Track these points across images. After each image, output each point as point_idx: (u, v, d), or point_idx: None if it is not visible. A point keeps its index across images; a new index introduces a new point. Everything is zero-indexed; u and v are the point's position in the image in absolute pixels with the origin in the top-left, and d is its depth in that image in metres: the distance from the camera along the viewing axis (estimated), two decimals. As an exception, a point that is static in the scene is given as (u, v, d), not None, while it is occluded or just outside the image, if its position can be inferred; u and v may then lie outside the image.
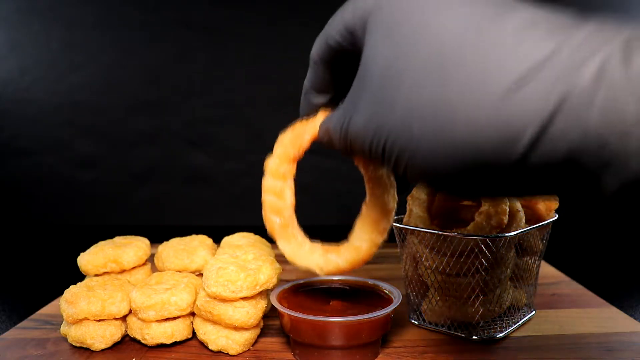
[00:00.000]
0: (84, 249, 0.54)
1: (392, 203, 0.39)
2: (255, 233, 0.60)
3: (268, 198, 0.40)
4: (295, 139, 0.39)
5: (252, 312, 0.45)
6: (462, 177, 0.23)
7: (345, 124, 0.30)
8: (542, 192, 0.23)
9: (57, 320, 0.53)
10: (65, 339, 0.49)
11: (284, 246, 0.40)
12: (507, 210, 0.49)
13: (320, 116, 0.38)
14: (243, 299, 0.45)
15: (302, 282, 0.51)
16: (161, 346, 0.48)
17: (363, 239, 0.39)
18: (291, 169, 0.40)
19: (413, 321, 0.52)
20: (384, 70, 0.25)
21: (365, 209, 0.40)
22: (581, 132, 0.20)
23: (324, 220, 0.99)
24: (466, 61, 0.22)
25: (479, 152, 0.22)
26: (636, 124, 0.19)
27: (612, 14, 0.20)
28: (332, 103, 0.38)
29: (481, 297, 0.47)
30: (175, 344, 0.48)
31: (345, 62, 0.33)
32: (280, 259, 0.47)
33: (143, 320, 0.47)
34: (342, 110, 0.31)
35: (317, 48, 0.35)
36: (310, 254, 0.40)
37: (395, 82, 0.25)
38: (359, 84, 0.28)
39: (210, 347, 0.46)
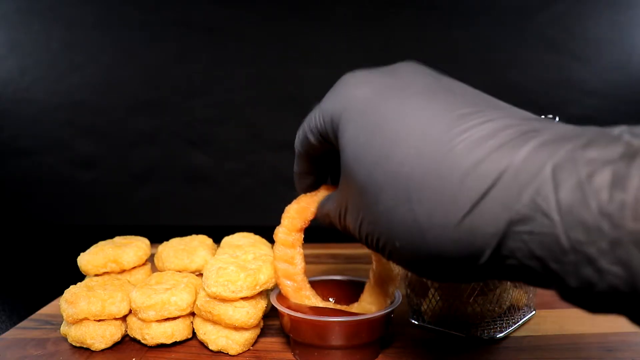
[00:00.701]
0: (84, 249, 0.54)
1: (397, 269, 0.44)
2: (255, 233, 0.60)
3: (280, 265, 0.44)
4: (301, 212, 0.43)
5: (252, 312, 0.45)
6: (440, 273, 0.28)
7: (341, 218, 0.34)
8: (510, 280, 0.27)
9: (57, 320, 0.53)
10: (65, 339, 0.49)
11: None
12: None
13: (323, 191, 0.42)
14: (243, 299, 0.45)
15: (302, 282, 0.51)
16: (161, 346, 0.48)
17: (372, 302, 0.44)
18: (299, 237, 0.44)
19: (413, 321, 0.52)
20: (363, 188, 0.29)
21: (372, 275, 0.44)
22: (527, 252, 0.23)
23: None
24: (427, 188, 0.25)
25: (450, 262, 0.26)
26: (568, 251, 0.21)
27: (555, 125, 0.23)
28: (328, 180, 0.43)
29: (481, 297, 0.47)
30: (175, 344, 0.48)
31: (326, 152, 0.37)
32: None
33: (143, 320, 0.47)
34: (336, 202, 0.35)
35: (297, 142, 0.39)
36: None
37: (373, 201, 0.28)
38: (345, 188, 0.32)
39: (210, 347, 0.46)
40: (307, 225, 0.43)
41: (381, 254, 0.31)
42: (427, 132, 0.26)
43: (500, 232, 0.23)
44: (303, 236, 0.44)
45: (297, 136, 0.38)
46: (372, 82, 0.30)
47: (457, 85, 0.29)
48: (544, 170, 0.22)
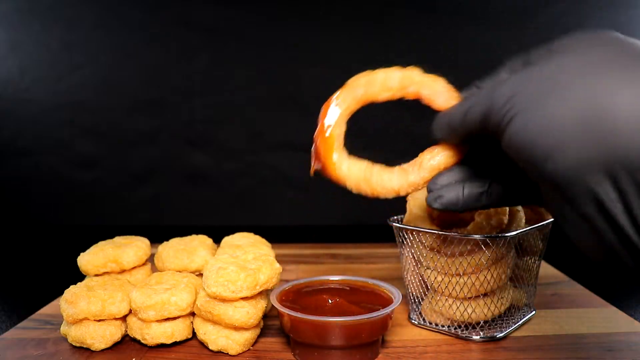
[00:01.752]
0: (84, 249, 0.54)
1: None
2: (255, 233, 0.60)
3: (332, 110, 0.40)
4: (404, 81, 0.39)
5: (252, 312, 0.45)
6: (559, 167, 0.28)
7: (471, 109, 0.34)
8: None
9: (57, 320, 0.53)
10: (65, 339, 0.49)
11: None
12: (507, 210, 0.49)
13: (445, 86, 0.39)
14: (243, 299, 0.45)
15: (302, 282, 0.51)
16: (161, 346, 0.48)
17: (383, 181, 0.40)
18: (358, 105, 0.40)
19: (413, 321, 0.52)
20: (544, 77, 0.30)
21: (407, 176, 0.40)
22: None
23: (324, 220, 1.00)
24: None
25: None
26: None
27: None
28: None
29: (481, 297, 0.47)
30: (175, 344, 0.48)
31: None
32: (280, 259, 0.47)
33: (143, 320, 0.47)
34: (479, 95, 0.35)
35: (456, 121, 0.37)
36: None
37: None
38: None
39: (210, 347, 0.46)
40: (375, 99, 0.40)
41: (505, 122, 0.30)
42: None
43: None
44: (356, 109, 0.41)
45: (457, 114, 0.37)
46: None
47: None
48: None
